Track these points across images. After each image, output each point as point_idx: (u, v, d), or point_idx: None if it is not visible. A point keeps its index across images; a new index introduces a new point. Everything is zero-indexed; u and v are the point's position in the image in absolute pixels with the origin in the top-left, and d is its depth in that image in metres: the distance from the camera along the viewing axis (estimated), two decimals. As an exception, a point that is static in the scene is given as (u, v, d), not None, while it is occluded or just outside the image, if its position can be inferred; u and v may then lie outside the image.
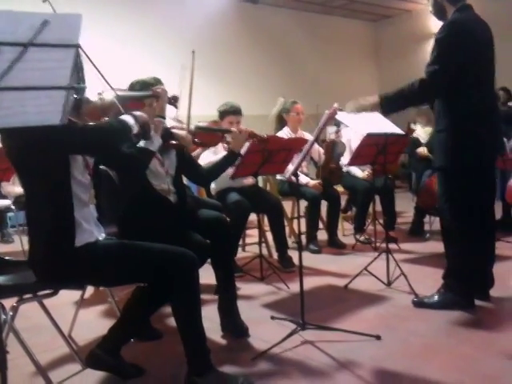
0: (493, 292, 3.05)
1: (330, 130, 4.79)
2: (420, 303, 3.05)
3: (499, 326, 2.71)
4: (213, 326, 2.68)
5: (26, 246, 2.03)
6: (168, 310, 2.58)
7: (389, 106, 2.95)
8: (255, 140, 3.14)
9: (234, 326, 2.73)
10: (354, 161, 4.27)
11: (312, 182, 4.62)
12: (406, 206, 6.38)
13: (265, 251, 4.28)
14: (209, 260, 2.80)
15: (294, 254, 4.05)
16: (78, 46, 1.39)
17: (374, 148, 3.91)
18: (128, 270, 2.07)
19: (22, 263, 2.14)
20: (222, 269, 2.81)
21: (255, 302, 3.30)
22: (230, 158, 3.00)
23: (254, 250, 4.30)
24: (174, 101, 2.65)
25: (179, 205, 2.75)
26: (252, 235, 5.01)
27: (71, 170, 1.94)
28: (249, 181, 4.12)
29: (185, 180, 3.06)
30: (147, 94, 2.45)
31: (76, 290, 2.51)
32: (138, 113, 2.13)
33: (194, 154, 3.68)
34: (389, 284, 3.44)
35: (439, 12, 2.94)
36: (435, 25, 8.81)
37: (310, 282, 3.59)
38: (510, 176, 4.73)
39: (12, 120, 1.37)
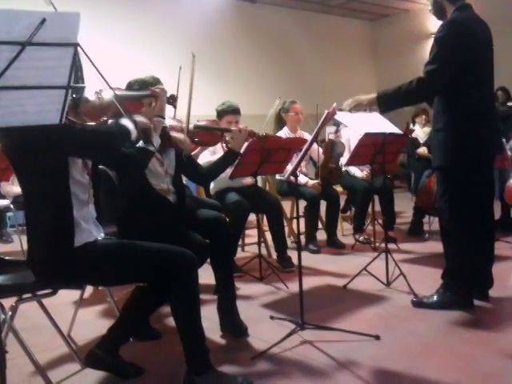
0: (492, 292, 3.05)
1: (330, 130, 4.79)
2: (419, 303, 3.05)
3: (498, 326, 2.71)
4: (212, 326, 2.68)
5: (26, 246, 2.02)
6: (167, 309, 2.59)
7: (386, 103, 2.95)
8: (255, 138, 3.14)
9: (233, 325, 2.73)
10: (352, 160, 4.27)
11: (311, 182, 4.62)
12: (405, 206, 6.39)
13: (264, 251, 4.28)
14: (208, 260, 2.80)
15: (293, 254, 4.04)
16: (76, 45, 1.39)
17: (372, 148, 3.91)
18: (127, 270, 2.07)
19: (21, 263, 2.14)
20: (221, 269, 2.81)
21: (254, 301, 3.30)
22: (230, 157, 3.00)
23: (254, 249, 4.30)
24: (172, 100, 2.65)
25: (178, 204, 2.75)
26: (251, 235, 5.01)
27: (70, 169, 1.94)
28: (248, 181, 4.11)
29: (184, 180, 3.05)
30: (146, 94, 2.45)
31: (75, 290, 2.51)
32: (138, 118, 2.14)
33: (193, 153, 3.68)
34: (388, 284, 3.44)
35: (439, 11, 2.94)
36: (433, 24, 8.84)
37: (310, 282, 3.59)
38: (509, 176, 4.74)
39: (11, 119, 1.37)
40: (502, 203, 5.06)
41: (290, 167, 3.81)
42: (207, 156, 3.81)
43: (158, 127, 2.35)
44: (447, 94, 2.83)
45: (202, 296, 2.39)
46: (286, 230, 4.46)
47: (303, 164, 4.73)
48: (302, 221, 4.60)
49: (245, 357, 2.44)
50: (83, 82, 1.88)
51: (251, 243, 4.67)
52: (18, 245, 4.69)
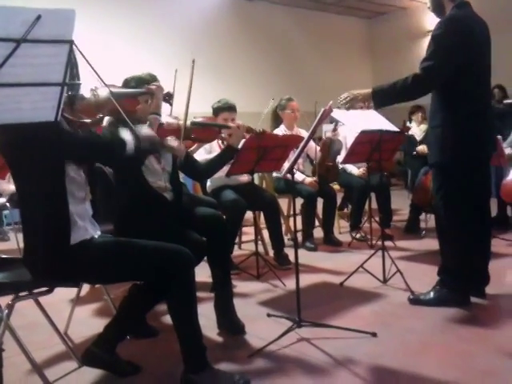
0: (488, 289, 3.05)
1: (327, 128, 4.78)
2: (416, 300, 3.05)
3: (495, 323, 2.72)
4: (209, 324, 2.68)
5: (22, 244, 2.02)
6: (164, 307, 2.58)
7: (381, 98, 2.95)
8: (253, 134, 3.15)
9: (230, 323, 2.73)
10: (348, 158, 4.27)
11: (308, 180, 4.61)
12: (401, 203, 6.40)
13: (261, 249, 4.28)
14: (205, 258, 2.79)
15: (290, 252, 4.03)
16: (71, 42, 1.38)
17: (368, 145, 3.92)
18: (123, 268, 2.06)
19: (17, 261, 2.14)
20: (218, 266, 2.81)
21: (251, 299, 3.30)
22: (228, 153, 3.00)
23: (250, 247, 4.30)
24: (168, 98, 2.64)
25: (175, 202, 2.75)
26: (248, 233, 5.01)
27: (65, 167, 1.94)
28: (244, 178, 4.11)
29: (181, 177, 3.05)
30: (142, 91, 2.44)
31: (72, 288, 2.50)
32: (145, 133, 2.13)
33: (190, 149, 3.67)
34: (385, 281, 3.45)
35: (437, 8, 2.94)
36: (430, 22, 8.84)
37: (306, 280, 3.59)
38: (505, 173, 4.74)
39: (6, 116, 1.36)
40: (498, 200, 5.07)
41: (287, 165, 3.81)
42: (202, 154, 3.81)
43: (154, 124, 2.35)
44: (445, 91, 2.83)
45: (199, 294, 2.39)
46: (283, 227, 4.46)
47: (300, 162, 4.73)
48: (299, 218, 4.61)
49: (242, 354, 2.44)
50: (79, 80, 1.88)
51: (248, 241, 4.67)
52: (14, 243, 4.68)
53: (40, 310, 2.28)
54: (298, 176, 4.53)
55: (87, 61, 1.65)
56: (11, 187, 5.02)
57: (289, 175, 2.77)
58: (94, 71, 1.79)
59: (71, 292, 2.85)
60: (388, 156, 4.18)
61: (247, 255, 4.04)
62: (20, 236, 2.58)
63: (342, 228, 5.42)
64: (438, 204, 2.99)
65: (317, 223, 4.90)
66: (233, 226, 3.80)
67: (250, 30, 9.35)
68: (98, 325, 2.54)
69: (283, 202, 4.75)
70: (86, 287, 3.42)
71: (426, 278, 3.34)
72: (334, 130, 4.71)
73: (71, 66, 1.51)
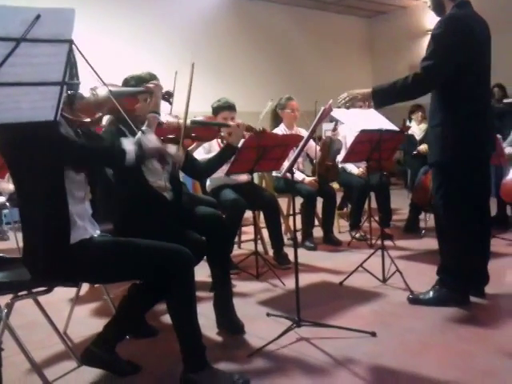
0: (488, 289, 3.05)
1: (327, 127, 4.78)
2: (415, 300, 3.05)
3: (494, 323, 2.72)
4: (208, 323, 2.68)
5: (21, 243, 2.02)
6: (163, 307, 2.58)
7: (381, 98, 2.95)
8: (253, 133, 3.15)
9: (229, 323, 2.73)
10: (348, 157, 4.27)
11: (308, 179, 4.61)
12: (401, 203, 6.40)
13: (260, 248, 4.28)
14: (205, 257, 2.79)
15: (289, 251, 4.03)
16: (71, 41, 1.38)
17: (368, 145, 3.91)
18: (122, 267, 2.06)
19: (16, 260, 2.14)
20: (217, 266, 2.81)
21: (251, 299, 3.30)
22: (228, 152, 2.99)
23: (250, 247, 4.30)
24: (168, 96, 2.63)
25: (175, 202, 2.74)
26: (248, 232, 5.01)
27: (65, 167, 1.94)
28: (244, 178, 4.11)
29: (180, 176, 3.05)
30: (140, 90, 2.44)
31: (71, 287, 2.50)
32: (152, 143, 2.10)
33: (189, 148, 3.67)
34: (384, 281, 3.45)
35: (438, 7, 2.93)
36: (430, 21, 8.83)
37: (306, 279, 3.59)
38: (504, 173, 4.74)
39: (5, 116, 1.36)
40: (498, 200, 5.07)
41: (286, 164, 3.81)
42: (202, 153, 3.81)
43: (153, 123, 2.34)
44: (445, 91, 2.83)
45: (199, 293, 2.39)
46: (283, 226, 4.46)
47: (300, 161, 4.73)
48: (299, 218, 4.60)
49: (241, 354, 2.44)
50: (78, 79, 1.87)
51: (248, 240, 4.67)
52: (13, 242, 4.67)
53: (39, 309, 2.28)
54: (298, 175, 4.53)
55: (86, 60, 1.64)
56: (11, 186, 5.02)
57: (288, 174, 2.77)
58: (93, 70, 1.78)
59: (70, 291, 2.85)
60: (388, 155, 4.18)
61: (247, 255, 4.04)
62: (19, 235, 2.58)
63: (341, 227, 5.42)
64: (437, 203, 2.99)
65: (316, 223, 4.90)
66: (232, 225, 3.80)
67: (250, 30, 9.35)
68: (97, 324, 2.54)
69: (283, 202, 4.75)
70: (85, 287, 3.42)
71: (425, 277, 3.34)
72: (334, 129, 4.71)
73: (70, 65, 1.51)
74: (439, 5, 2.92)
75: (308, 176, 4.71)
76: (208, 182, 4.16)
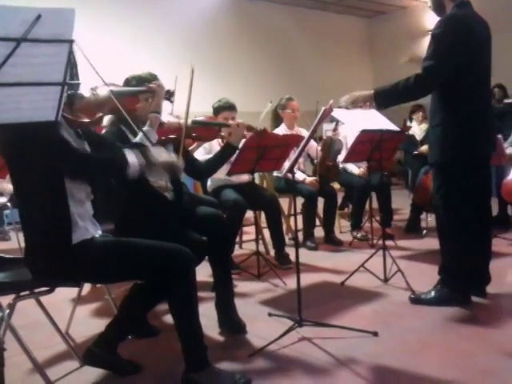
0: (489, 288, 3.05)
1: (328, 127, 4.78)
2: (417, 300, 3.05)
3: (496, 323, 2.72)
4: (210, 323, 2.68)
5: (23, 244, 2.02)
6: (165, 307, 2.58)
7: (383, 100, 2.95)
8: (253, 133, 3.15)
9: (231, 322, 2.73)
10: (349, 157, 4.27)
11: (308, 179, 4.61)
12: (402, 203, 6.39)
13: (262, 248, 4.28)
14: (206, 257, 2.79)
15: (290, 251, 4.04)
16: (71, 42, 1.38)
17: (369, 145, 3.91)
18: (124, 268, 2.06)
19: (18, 260, 2.13)
20: (219, 266, 2.81)
21: (252, 298, 3.30)
22: (228, 151, 2.99)
23: (251, 247, 4.30)
24: (169, 96, 2.63)
25: (176, 202, 2.74)
26: (249, 232, 5.01)
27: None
28: (245, 178, 4.11)
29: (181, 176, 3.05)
30: (142, 90, 2.44)
31: (73, 287, 2.51)
32: (161, 157, 2.05)
33: (190, 148, 3.68)
34: (386, 281, 3.45)
35: (438, 7, 2.94)
36: (430, 21, 8.82)
37: (307, 279, 3.59)
38: (505, 172, 4.74)
39: (5, 116, 1.36)
40: (499, 200, 5.07)
41: (287, 164, 3.81)
42: (202, 153, 3.81)
43: (154, 123, 2.34)
44: (445, 91, 2.83)
45: (200, 293, 2.39)
46: (284, 227, 4.46)
47: (301, 161, 4.73)
48: (300, 218, 4.60)
49: (243, 354, 2.44)
50: (78, 79, 1.87)
51: (249, 240, 4.67)
52: (15, 242, 4.66)
53: (41, 309, 2.28)
54: (299, 175, 4.53)
55: (88, 60, 1.65)
56: (12, 187, 5.02)
57: (289, 174, 2.77)
58: (95, 71, 1.79)
59: (72, 292, 2.86)
60: (388, 155, 4.18)
61: (248, 255, 4.04)
62: (21, 236, 2.59)
63: (342, 227, 5.42)
64: (438, 203, 2.99)
65: (317, 223, 4.90)
66: (233, 225, 3.80)
67: (250, 30, 9.35)
68: (99, 324, 2.54)
69: (284, 202, 4.75)
70: (87, 287, 3.42)
71: (426, 277, 3.34)
72: (335, 129, 4.71)
73: (70, 65, 1.51)
74: (440, 5, 2.92)
75: (309, 176, 4.72)
76: (209, 182, 4.16)
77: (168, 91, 2.61)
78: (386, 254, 3.43)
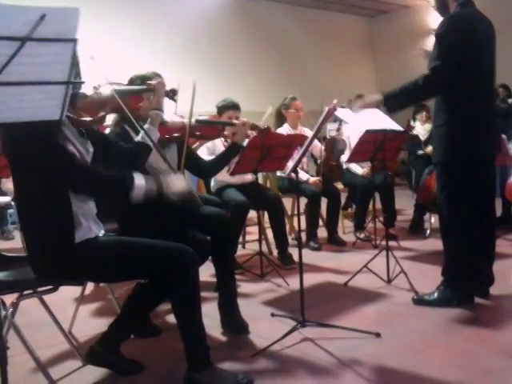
0: (493, 290, 3.04)
1: (331, 127, 4.78)
2: (420, 300, 3.04)
3: (499, 324, 2.71)
4: (213, 323, 2.68)
5: (26, 243, 2.03)
6: (167, 306, 2.58)
7: (394, 103, 2.95)
8: (257, 132, 3.15)
9: (234, 323, 2.72)
10: (352, 157, 4.26)
11: (312, 179, 4.61)
12: (405, 203, 6.37)
13: (265, 248, 4.27)
14: (209, 257, 2.79)
15: (294, 251, 4.04)
16: (75, 41, 1.38)
17: (372, 145, 3.91)
18: (127, 267, 2.06)
19: (21, 259, 2.14)
20: (222, 266, 2.81)
21: (255, 299, 3.30)
22: (233, 150, 3.00)
23: (254, 247, 4.29)
24: (172, 94, 2.63)
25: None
26: (252, 232, 5.01)
27: None
28: (248, 178, 4.11)
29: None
30: (142, 88, 2.43)
31: (76, 287, 2.51)
32: (177, 187, 2.05)
33: (193, 146, 3.68)
34: (389, 281, 3.44)
35: (441, 7, 2.93)
36: (433, 21, 8.82)
37: (310, 279, 3.58)
38: (509, 173, 4.73)
39: (9, 115, 1.36)
40: (503, 200, 5.05)
41: (291, 164, 3.81)
42: (205, 154, 3.81)
43: (155, 120, 2.33)
44: (448, 91, 2.83)
45: (203, 293, 2.39)
46: (287, 227, 4.46)
47: (304, 161, 4.73)
48: (303, 218, 4.60)
49: (245, 354, 2.44)
50: (80, 78, 1.87)
51: (252, 240, 4.67)
52: (18, 241, 4.67)
53: (44, 308, 2.29)
54: (302, 175, 4.53)
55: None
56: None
57: (293, 174, 2.76)
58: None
59: (75, 291, 2.86)
60: (392, 155, 4.17)
61: (251, 255, 4.03)
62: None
63: (346, 228, 5.41)
64: (441, 204, 2.99)
65: (321, 223, 4.89)
66: (236, 225, 3.80)
67: (251, 29, 9.35)
68: (101, 323, 2.54)
69: (287, 202, 4.75)
70: (90, 286, 3.43)
71: (429, 278, 3.33)
72: (338, 129, 4.71)
73: (73, 64, 1.51)
74: (443, 4, 2.92)
75: (312, 176, 4.71)
76: (212, 182, 4.16)
77: (171, 90, 2.60)
78: (389, 255, 3.42)
